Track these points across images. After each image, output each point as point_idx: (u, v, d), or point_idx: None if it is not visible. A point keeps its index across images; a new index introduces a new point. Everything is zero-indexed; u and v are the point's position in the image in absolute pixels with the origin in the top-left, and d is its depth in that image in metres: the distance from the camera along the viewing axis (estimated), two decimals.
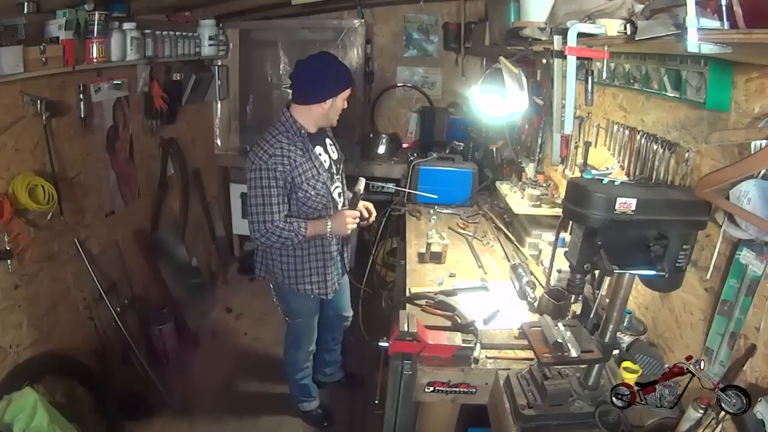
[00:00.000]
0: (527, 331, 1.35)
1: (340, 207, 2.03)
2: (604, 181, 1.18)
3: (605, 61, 1.28)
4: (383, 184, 3.52)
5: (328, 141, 2.04)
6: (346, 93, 1.91)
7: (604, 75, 1.34)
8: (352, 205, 2.04)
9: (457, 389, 1.47)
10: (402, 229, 2.54)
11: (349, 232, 1.96)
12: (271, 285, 2.14)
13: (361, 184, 2.07)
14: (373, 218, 2.12)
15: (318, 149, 1.95)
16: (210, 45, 3.20)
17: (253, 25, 3.64)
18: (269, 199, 1.80)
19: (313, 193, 1.88)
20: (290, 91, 3.69)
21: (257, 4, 3.24)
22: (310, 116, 1.90)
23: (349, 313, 2.43)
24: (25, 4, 1.77)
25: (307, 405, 2.45)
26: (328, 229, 1.90)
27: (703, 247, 1.28)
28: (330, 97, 1.87)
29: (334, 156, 2.05)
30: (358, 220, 1.98)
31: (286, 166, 1.81)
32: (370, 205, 2.12)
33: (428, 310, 1.72)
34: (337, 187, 2.03)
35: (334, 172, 2.03)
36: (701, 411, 1.10)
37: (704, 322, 1.27)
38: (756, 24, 0.82)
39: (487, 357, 1.49)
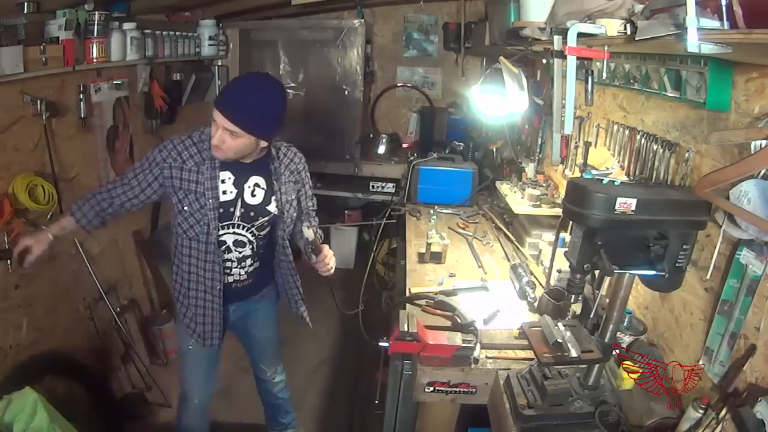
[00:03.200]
0: (527, 331, 1.35)
1: (230, 256, 1.69)
2: (604, 181, 1.18)
3: (605, 61, 1.28)
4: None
5: (255, 181, 1.65)
6: (213, 111, 1.48)
7: (604, 75, 1.34)
8: (315, 252, 1.68)
9: (457, 389, 1.47)
10: (402, 229, 2.54)
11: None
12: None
13: (309, 233, 1.65)
14: (327, 267, 1.74)
15: (225, 175, 1.60)
16: (210, 45, 3.21)
17: (253, 25, 3.64)
18: (127, 172, 1.63)
19: (186, 208, 1.59)
20: (290, 91, 3.75)
21: (257, 4, 3.24)
22: None
23: (268, 369, 2.14)
24: (25, 4, 1.77)
25: None
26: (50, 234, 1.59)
27: (703, 247, 1.28)
28: None
29: (253, 200, 1.65)
30: None
31: (174, 161, 1.56)
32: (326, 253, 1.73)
33: (428, 310, 1.72)
34: (235, 232, 1.66)
35: (237, 215, 1.63)
36: (701, 411, 1.10)
37: (704, 322, 1.27)
38: (756, 24, 0.82)
39: (487, 357, 1.49)
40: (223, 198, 1.61)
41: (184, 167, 1.57)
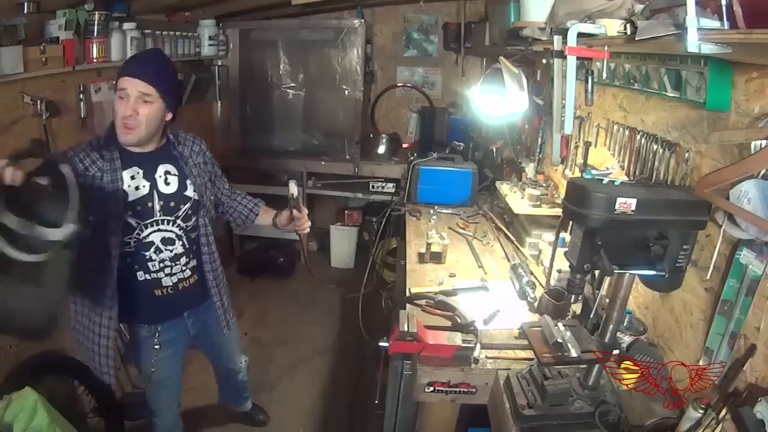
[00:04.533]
0: (527, 331, 1.35)
1: (162, 255, 1.61)
2: (604, 181, 1.18)
3: (605, 61, 1.28)
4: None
5: (165, 169, 1.60)
6: (120, 83, 1.46)
7: (604, 75, 1.34)
8: (297, 207, 1.76)
9: (457, 389, 1.47)
10: (402, 229, 2.54)
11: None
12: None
13: (294, 189, 1.74)
14: (305, 226, 1.80)
15: (133, 171, 1.53)
16: (210, 45, 3.21)
17: (253, 25, 3.65)
18: None
19: (90, 218, 1.39)
20: (290, 91, 3.77)
21: (257, 4, 3.25)
22: None
23: (236, 365, 2.18)
24: (25, 4, 1.78)
25: None
26: None
27: (703, 247, 1.28)
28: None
29: (169, 189, 1.59)
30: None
31: (78, 169, 1.43)
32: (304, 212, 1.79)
33: (428, 310, 1.72)
34: (160, 229, 1.59)
35: (157, 208, 1.56)
36: (701, 411, 1.10)
37: (704, 322, 1.27)
38: (756, 24, 0.82)
39: (487, 357, 1.49)
40: (137, 194, 1.53)
41: (87, 174, 1.47)
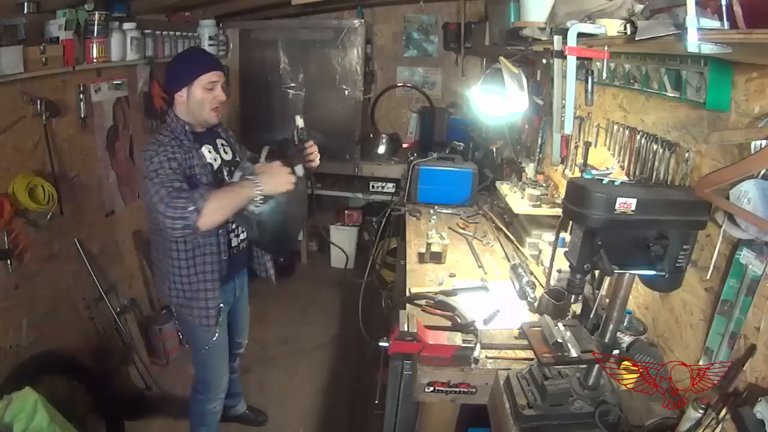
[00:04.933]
0: (527, 331, 1.35)
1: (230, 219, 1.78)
2: (604, 181, 1.18)
3: (605, 61, 1.28)
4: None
5: (220, 141, 1.86)
6: (204, 79, 1.68)
7: (604, 75, 1.34)
8: (303, 139, 1.82)
9: (457, 389, 1.47)
10: (402, 229, 2.54)
11: (285, 187, 1.61)
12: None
13: (300, 121, 1.81)
14: (313, 156, 1.84)
15: (206, 149, 1.77)
16: (210, 45, 3.21)
17: (253, 25, 3.64)
18: (169, 178, 1.55)
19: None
20: (290, 91, 3.76)
21: (257, 4, 3.25)
22: (184, 112, 1.73)
23: (243, 339, 2.29)
24: (25, 4, 1.78)
25: None
26: (257, 191, 1.57)
27: (703, 247, 1.28)
28: (183, 85, 1.69)
29: (227, 157, 1.85)
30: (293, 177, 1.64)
31: (177, 155, 1.62)
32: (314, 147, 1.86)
33: (428, 310, 1.72)
34: None
35: (226, 173, 1.82)
36: (701, 411, 1.11)
37: (704, 322, 1.27)
38: (756, 24, 0.82)
39: (487, 357, 1.49)
40: (216, 164, 1.78)
41: (177, 158, 1.65)
